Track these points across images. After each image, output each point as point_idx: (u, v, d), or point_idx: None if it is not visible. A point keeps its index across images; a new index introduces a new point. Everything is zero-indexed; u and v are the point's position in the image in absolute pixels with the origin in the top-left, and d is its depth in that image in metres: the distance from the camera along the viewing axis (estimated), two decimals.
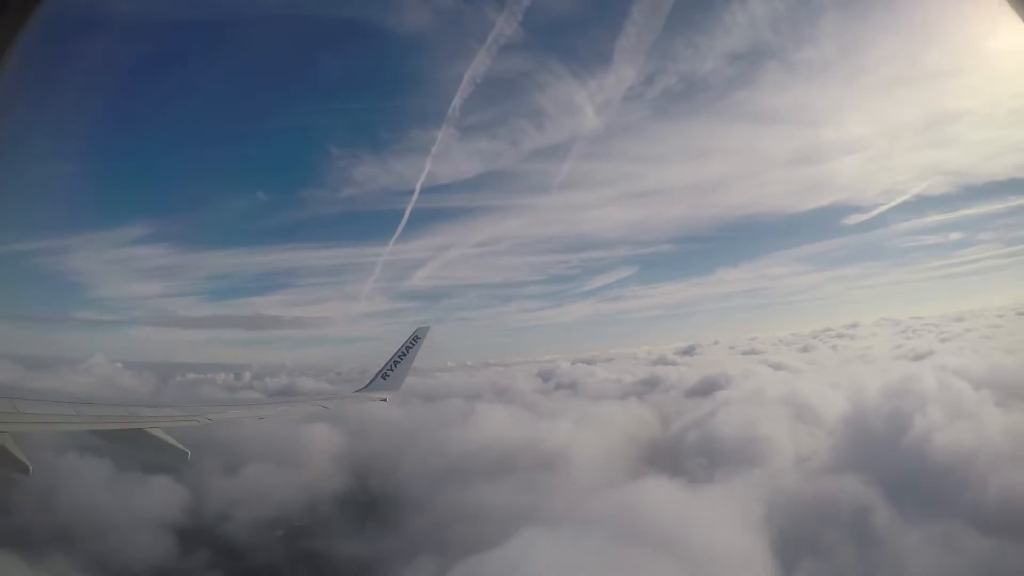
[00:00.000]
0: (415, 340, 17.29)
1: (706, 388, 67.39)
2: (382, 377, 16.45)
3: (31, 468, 7.13)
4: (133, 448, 8.79)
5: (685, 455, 50.54)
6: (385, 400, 16.20)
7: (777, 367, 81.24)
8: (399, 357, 16.90)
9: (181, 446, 8.88)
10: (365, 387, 16.39)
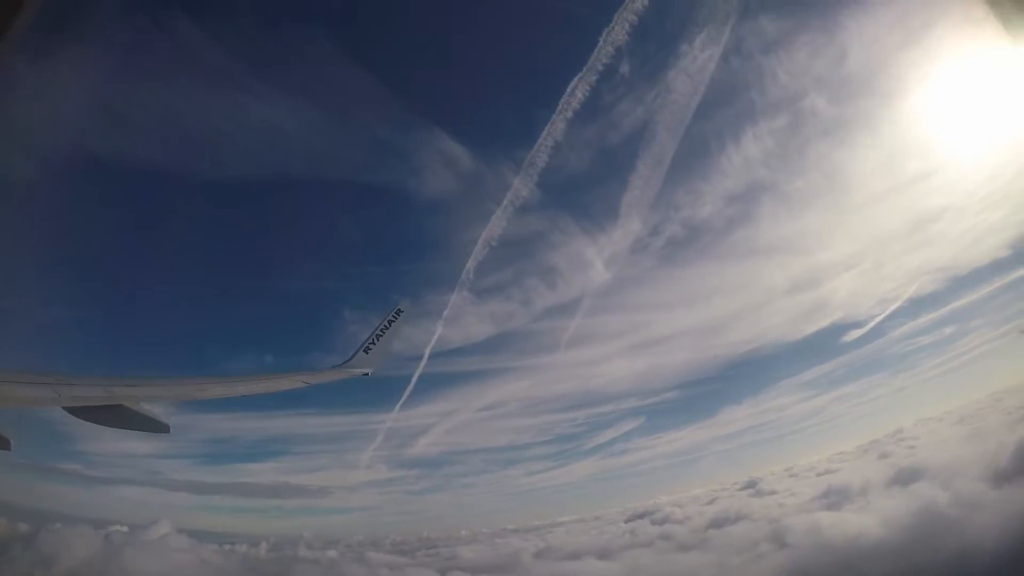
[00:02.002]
0: (397, 314, 17.34)
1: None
2: (364, 351, 16.49)
3: (12, 443, 7.12)
4: (113, 424, 8.78)
5: None
6: (367, 374, 16.26)
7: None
8: (381, 331, 16.95)
9: (162, 420, 8.90)
10: (346, 362, 16.41)
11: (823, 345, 52.97)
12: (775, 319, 52.22)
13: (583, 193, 48.05)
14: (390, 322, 17.15)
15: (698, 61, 39.39)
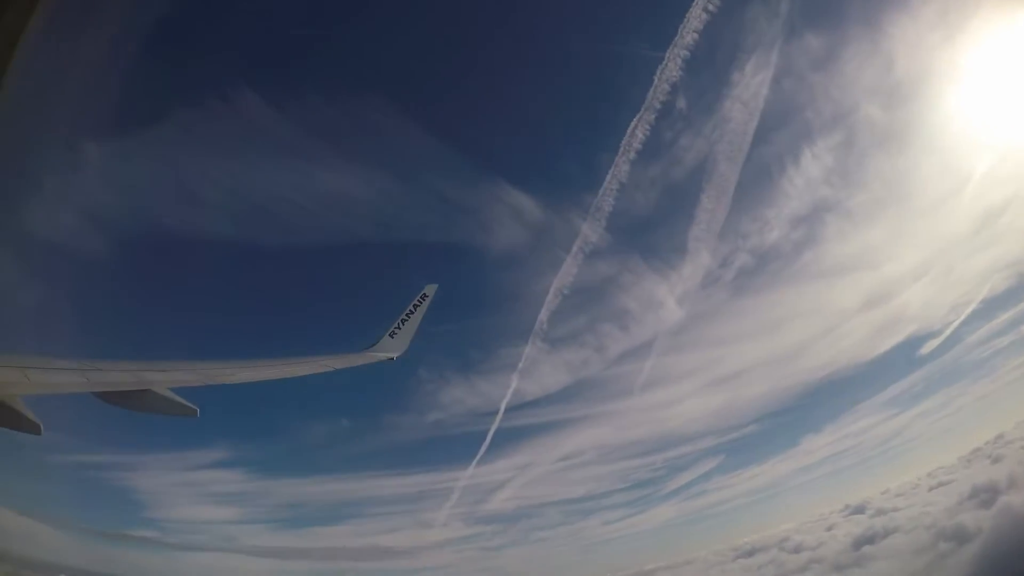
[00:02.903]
0: (423, 298, 17.22)
1: None
2: (389, 336, 16.41)
3: (42, 427, 7.11)
4: (142, 408, 8.77)
5: None
6: (392, 359, 16.20)
7: None
8: (407, 316, 16.86)
9: (190, 404, 8.87)
10: (372, 347, 16.35)
11: (899, 361, 51.18)
12: (848, 340, 51.03)
13: (651, 232, 47.99)
14: (415, 306, 17.03)
15: (751, 87, 39.53)
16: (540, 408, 48.44)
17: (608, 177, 38.32)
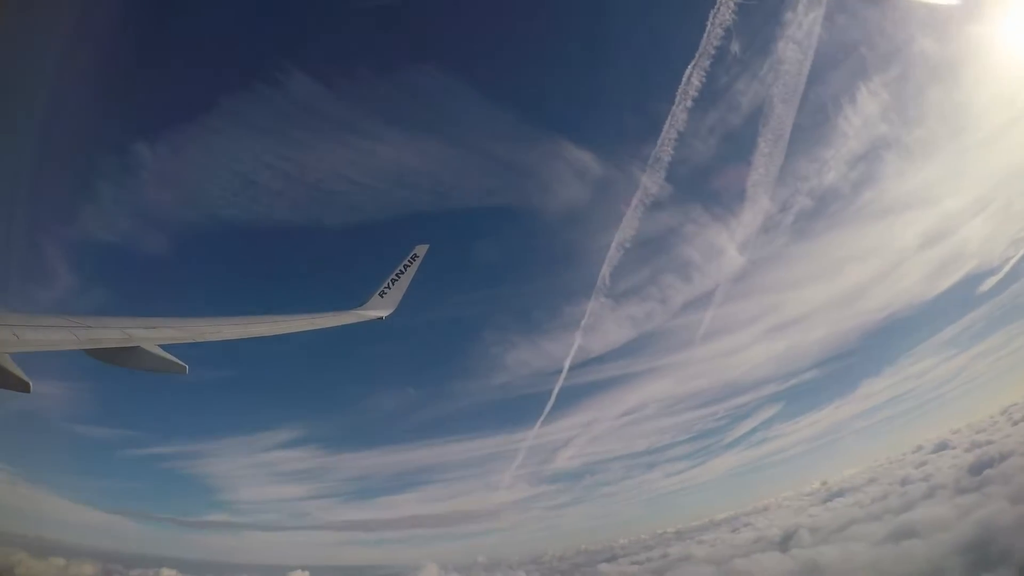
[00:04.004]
0: (413, 259, 17.21)
1: None
2: (379, 295, 16.46)
3: (31, 385, 7.20)
4: (131, 365, 8.87)
5: None
6: (382, 318, 16.30)
7: None
8: (396, 276, 16.87)
9: (179, 361, 8.98)
10: (362, 305, 16.42)
11: (958, 299, 49.80)
12: (907, 280, 49.96)
13: (710, 180, 46.97)
14: (406, 266, 17.03)
15: (804, 26, 38.27)
16: (603, 364, 48.57)
17: (666, 126, 37.75)
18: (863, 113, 43.73)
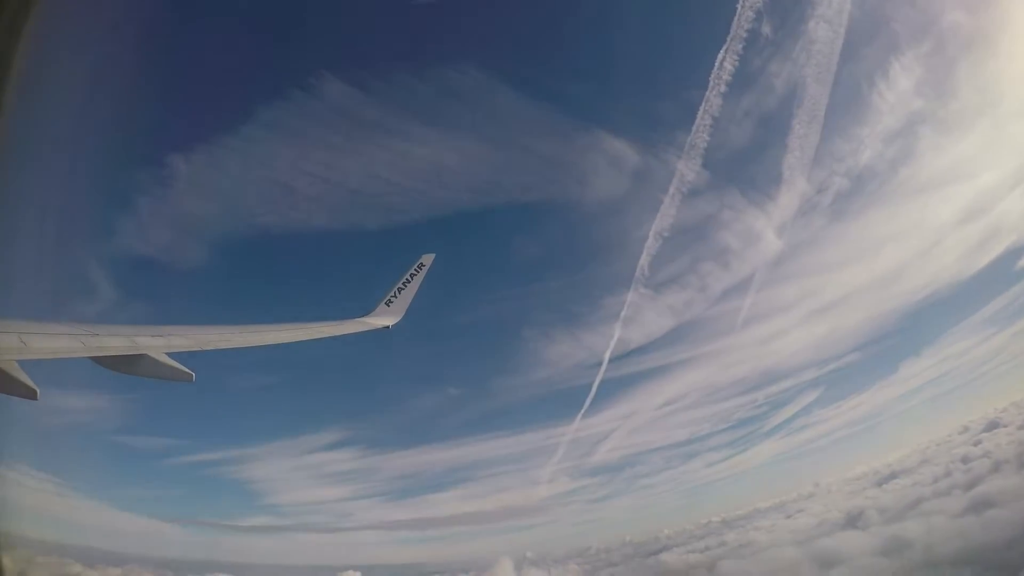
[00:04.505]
0: (420, 268, 17.19)
1: None
2: (385, 304, 16.43)
3: (39, 392, 7.17)
4: (139, 372, 8.85)
5: None
6: (388, 327, 16.26)
7: None
8: (403, 285, 16.84)
9: (185, 368, 8.96)
10: (368, 314, 16.39)
11: (998, 275, 48.51)
12: (946, 257, 48.81)
13: (746, 165, 46.83)
14: (412, 275, 17.01)
15: (834, 4, 38.45)
16: (643, 355, 48.08)
17: (700, 112, 37.71)
18: (897, 89, 43.42)
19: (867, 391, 52.82)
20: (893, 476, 50.36)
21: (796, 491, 51.69)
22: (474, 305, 45.81)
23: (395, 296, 16.56)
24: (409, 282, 16.86)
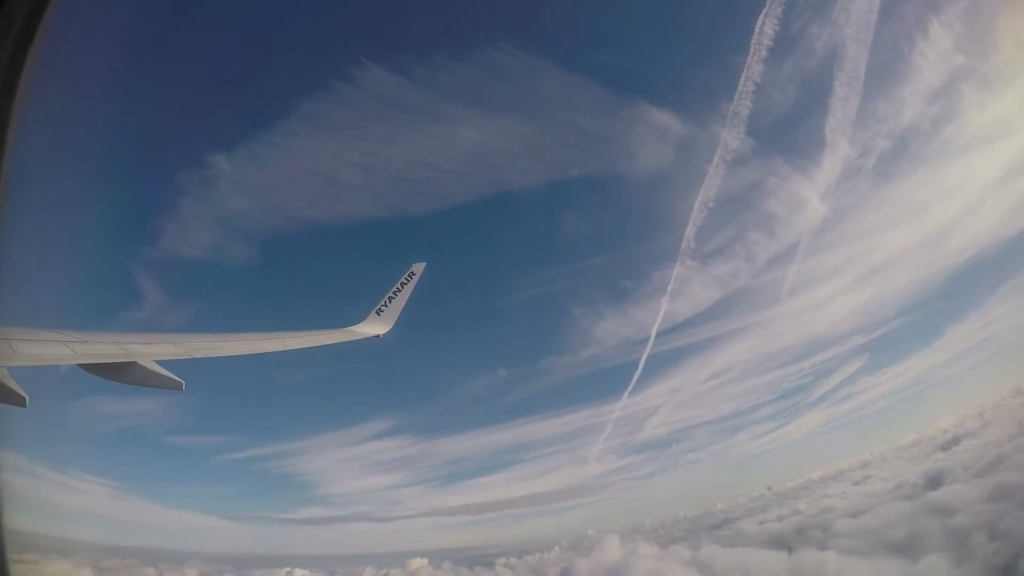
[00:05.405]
0: (410, 276, 17.24)
1: None
2: (376, 313, 16.48)
3: (27, 399, 7.18)
4: (128, 380, 8.86)
5: None
6: (379, 336, 16.31)
7: None
8: (394, 294, 16.89)
9: (175, 377, 8.98)
10: (359, 323, 16.44)
11: None
12: (992, 215, 49.08)
13: (789, 130, 47.06)
14: (403, 284, 17.07)
15: None
16: (690, 328, 47.69)
17: (742, 79, 37.89)
18: (937, 46, 43.68)
19: (912, 357, 52.61)
20: (956, 440, 49.81)
21: (848, 460, 52.22)
22: (522, 285, 45.96)
23: (385, 305, 16.61)
24: (400, 291, 16.90)
